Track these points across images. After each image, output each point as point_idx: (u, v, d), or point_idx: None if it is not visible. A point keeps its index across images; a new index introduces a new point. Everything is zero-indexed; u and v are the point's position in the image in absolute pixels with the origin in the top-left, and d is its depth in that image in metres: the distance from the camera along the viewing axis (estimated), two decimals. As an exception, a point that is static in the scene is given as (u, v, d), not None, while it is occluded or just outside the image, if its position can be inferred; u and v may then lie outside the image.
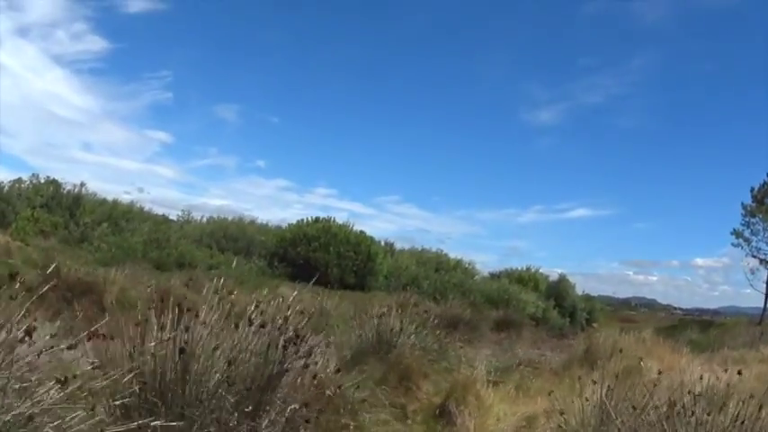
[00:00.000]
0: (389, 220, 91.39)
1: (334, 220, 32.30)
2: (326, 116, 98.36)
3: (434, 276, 33.02)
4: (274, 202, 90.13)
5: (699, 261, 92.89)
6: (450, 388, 8.83)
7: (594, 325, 44.29)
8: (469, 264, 40.02)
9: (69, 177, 34.59)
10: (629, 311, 75.15)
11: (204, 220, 36.49)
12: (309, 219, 32.60)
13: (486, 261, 79.72)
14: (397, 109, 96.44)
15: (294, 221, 33.93)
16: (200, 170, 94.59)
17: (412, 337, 11.01)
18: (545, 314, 35.99)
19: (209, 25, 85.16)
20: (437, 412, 8.31)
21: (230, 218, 35.86)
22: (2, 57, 63.39)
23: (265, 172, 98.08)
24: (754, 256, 48.16)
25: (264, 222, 36.84)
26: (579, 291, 48.29)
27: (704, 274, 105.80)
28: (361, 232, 32.48)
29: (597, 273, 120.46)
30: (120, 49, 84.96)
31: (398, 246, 40.21)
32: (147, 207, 36.00)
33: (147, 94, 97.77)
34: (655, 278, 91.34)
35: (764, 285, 47.82)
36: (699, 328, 33.45)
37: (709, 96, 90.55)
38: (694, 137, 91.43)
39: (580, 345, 16.15)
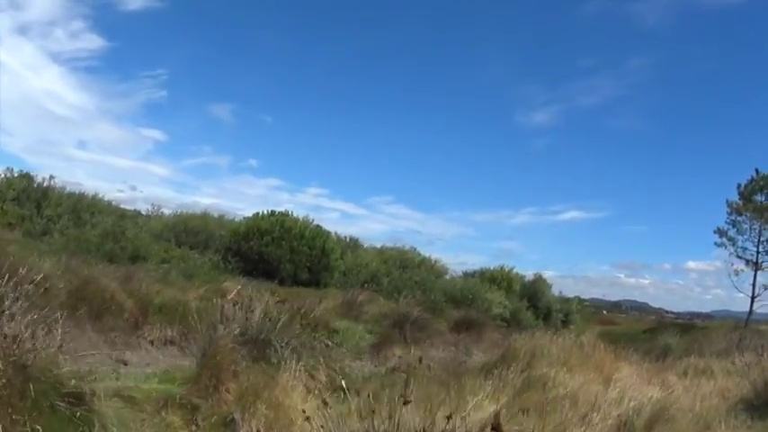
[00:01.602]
0: (382, 221, 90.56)
1: (291, 214, 30.24)
2: (320, 116, 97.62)
3: (395, 274, 31.11)
4: (266, 202, 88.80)
5: (691, 264, 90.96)
6: (240, 392, 7.48)
7: (572, 327, 42.05)
8: (436, 262, 38.00)
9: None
10: (617, 313, 73.27)
11: (171, 214, 34.76)
12: (265, 212, 30.50)
13: (477, 262, 77.55)
14: (391, 109, 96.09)
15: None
16: (193, 169, 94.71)
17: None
18: (517, 315, 34.10)
19: (205, 24, 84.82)
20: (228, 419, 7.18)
21: (198, 212, 34.21)
22: (1, 55, 62.72)
23: (258, 171, 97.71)
24: (740, 257, 44.97)
25: (231, 218, 34.45)
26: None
27: (697, 278, 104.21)
28: (318, 227, 30.46)
29: (588, 275, 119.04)
30: (117, 47, 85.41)
31: (383, 245, 38.75)
32: (113, 201, 34.13)
33: (141, 93, 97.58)
34: (646, 281, 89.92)
35: (750, 288, 44.75)
36: (679, 332, 30.94)
37: (706, 99, 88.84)
38: (689, 140, 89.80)
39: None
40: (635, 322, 55.22)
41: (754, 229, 43.73)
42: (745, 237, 44.23)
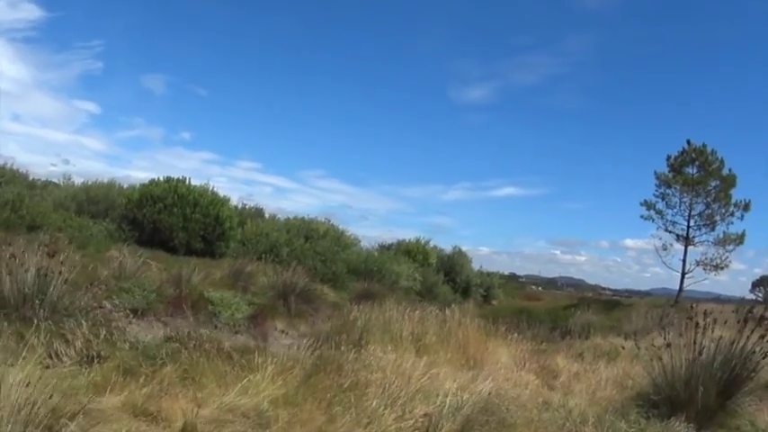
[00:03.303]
0: (314, 195, 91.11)
1: (185, 181, 27.47)
2: (254, 89, 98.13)
3: (297, 244, 28.58)
4: (199, 175, 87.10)
5: (629, 242, 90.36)
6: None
7: (494, 302, 40.92)
8: (342, 232, 35.61)
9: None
10: (553, 290, 72.24)
11: (80, 184, 32.82)
12: (160, 178, 27.85)
13: (410, 237, 76.90)
14: (324, 82, 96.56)
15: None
16: (126, 141, 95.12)
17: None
18: (432, 288, 32.32)
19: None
20: None
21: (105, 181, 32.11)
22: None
23: (190, 144, 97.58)
24: (669, 231, 42.80)
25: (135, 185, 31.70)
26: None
27: (634, 256, 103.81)
28: (214, 194, 27.77)
29: (524, 251, 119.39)
30: (55, 17, 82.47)
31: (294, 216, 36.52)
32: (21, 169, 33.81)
33: (77, 64, 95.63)
34: (583, 258, 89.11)
35: (681, 264, 42.50)
36: (601, 309, 28.62)
37: (645, 80, 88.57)
38: (628, 119, 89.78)
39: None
40: (561, 298, 53.37)
41: (684, 202, 41.49)
42: (675, 210, 42.07)
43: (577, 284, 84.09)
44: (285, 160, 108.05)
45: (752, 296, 45.06)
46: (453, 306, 12.49)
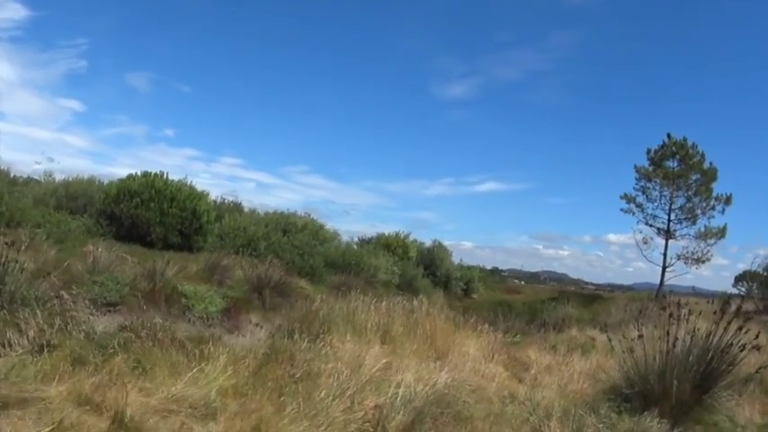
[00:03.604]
0: (296, 191, 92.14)
1: (163, 175, 26.95)
2: (237, 86, 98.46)
3: (274, 238, 28.31)
4: (182, 172, 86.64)
5: (611, 237, 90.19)
6: None
7: (474, 296, 40.79)
8: (321, 226, 35.12)
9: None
10: (536, 284, 71.94)
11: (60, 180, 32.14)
12: (138, 173, 27.26)
13: (389, 231, 76.80)
14: (307, 79, 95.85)
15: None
16: (110, 139, 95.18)
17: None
18: (412, 282, 32.24)
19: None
20: None
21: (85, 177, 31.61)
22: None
23: (174, 141, 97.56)
24: (649, 225, 42.72)
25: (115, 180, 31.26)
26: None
27: (617, 250, 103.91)
28: (191, 188, 27.32)
29: (506, 246, 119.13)
30: (40, 16, 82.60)
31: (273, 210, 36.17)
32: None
33: (62, 62, 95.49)
34: (565, 252, 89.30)
35: (661, 257, 42.27)
36: (581, 303, 28.36)
37: (629, 75, 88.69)
38: (611, 115, 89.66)
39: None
40: (542, 292, 53.08)
41: (665, 195, 41.22)
42: (655, 204, 41.79)
43: (560, 279, 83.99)
44: (268, 156, 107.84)
45: (734, 291, 44.75)
46: (421, 296, 12.11)
